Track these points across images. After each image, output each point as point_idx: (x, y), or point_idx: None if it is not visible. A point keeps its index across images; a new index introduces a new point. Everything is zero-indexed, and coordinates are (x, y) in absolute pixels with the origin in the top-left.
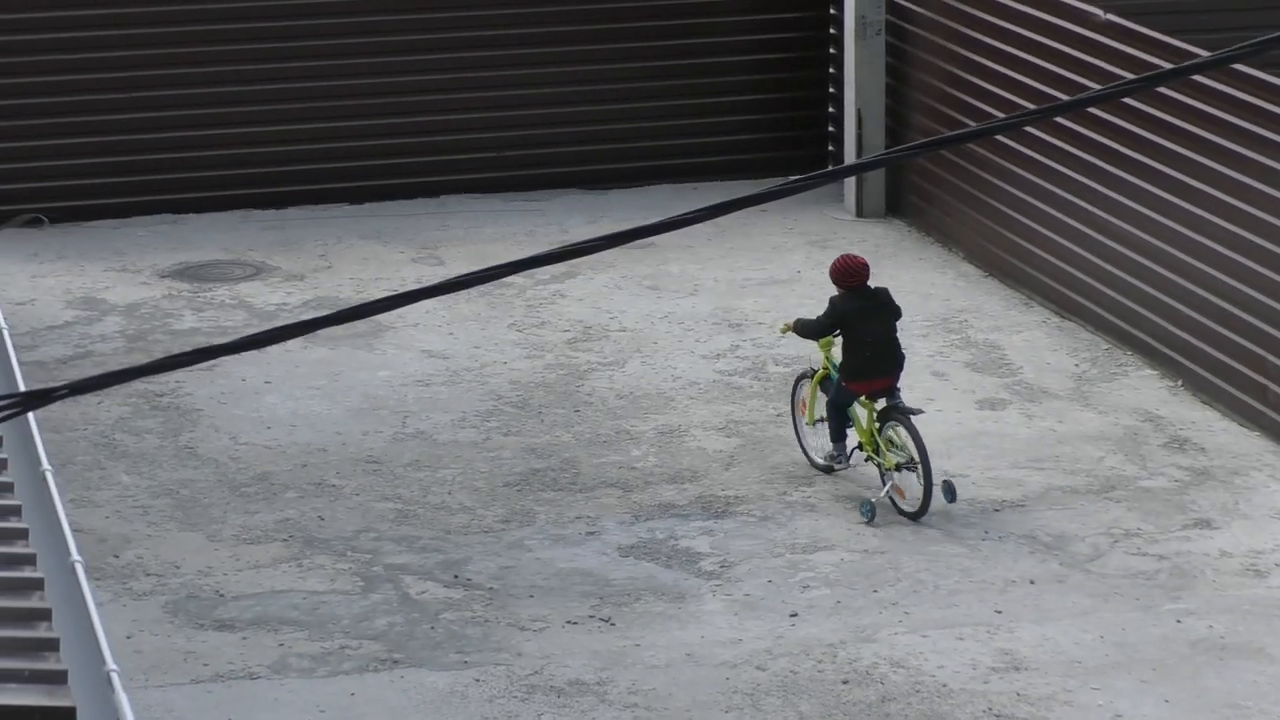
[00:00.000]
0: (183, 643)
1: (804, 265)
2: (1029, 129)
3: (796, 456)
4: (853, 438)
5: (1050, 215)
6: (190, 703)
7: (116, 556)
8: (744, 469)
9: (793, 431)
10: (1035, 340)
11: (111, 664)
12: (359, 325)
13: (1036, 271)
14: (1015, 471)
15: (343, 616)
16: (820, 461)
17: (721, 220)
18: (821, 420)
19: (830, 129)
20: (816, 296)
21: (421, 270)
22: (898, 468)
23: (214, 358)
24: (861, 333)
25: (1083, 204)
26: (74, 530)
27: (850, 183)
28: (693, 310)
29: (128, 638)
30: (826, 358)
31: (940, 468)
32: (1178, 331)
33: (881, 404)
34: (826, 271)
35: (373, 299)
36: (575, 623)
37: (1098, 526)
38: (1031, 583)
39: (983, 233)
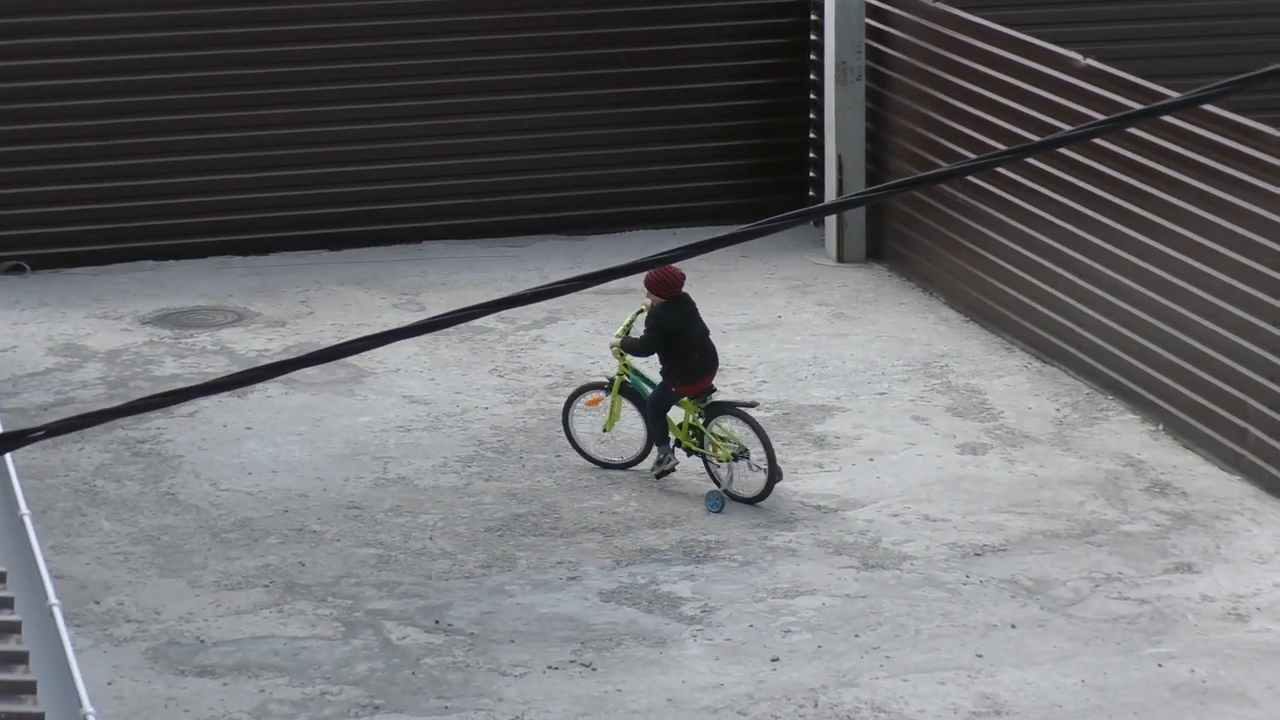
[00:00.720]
0: (163, 689)
1: (784, 310)
2: (1008, 173)
3: (779, 501)
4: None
5: (1031, 260)
6: None
7: (97, 603)
8: (726, 514)
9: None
10: (1016, 385)
11: (88, 707)
12: (340, 371)
13: (1017, 316)
14: (997, 516)
15: (324, 662)
16: (595, 455)
17: (703, 265)
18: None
19: (811, 174)
20: (796, 340)
21: (403, 316)
22: (734, 458)
23: (188, 399)
24: (690, 337)
25: (1063, 249)
26: (54, 576)
27: (831, 228)
28: None
29: (108, 684)
30: (625, 366)
31: (922, 513)
32: (1158, 376)
33: (707, 402)
34: (806, 315)
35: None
36: (556, 668)
37: (1079, 570)
38: (1013, 627)
39: (963, 277)
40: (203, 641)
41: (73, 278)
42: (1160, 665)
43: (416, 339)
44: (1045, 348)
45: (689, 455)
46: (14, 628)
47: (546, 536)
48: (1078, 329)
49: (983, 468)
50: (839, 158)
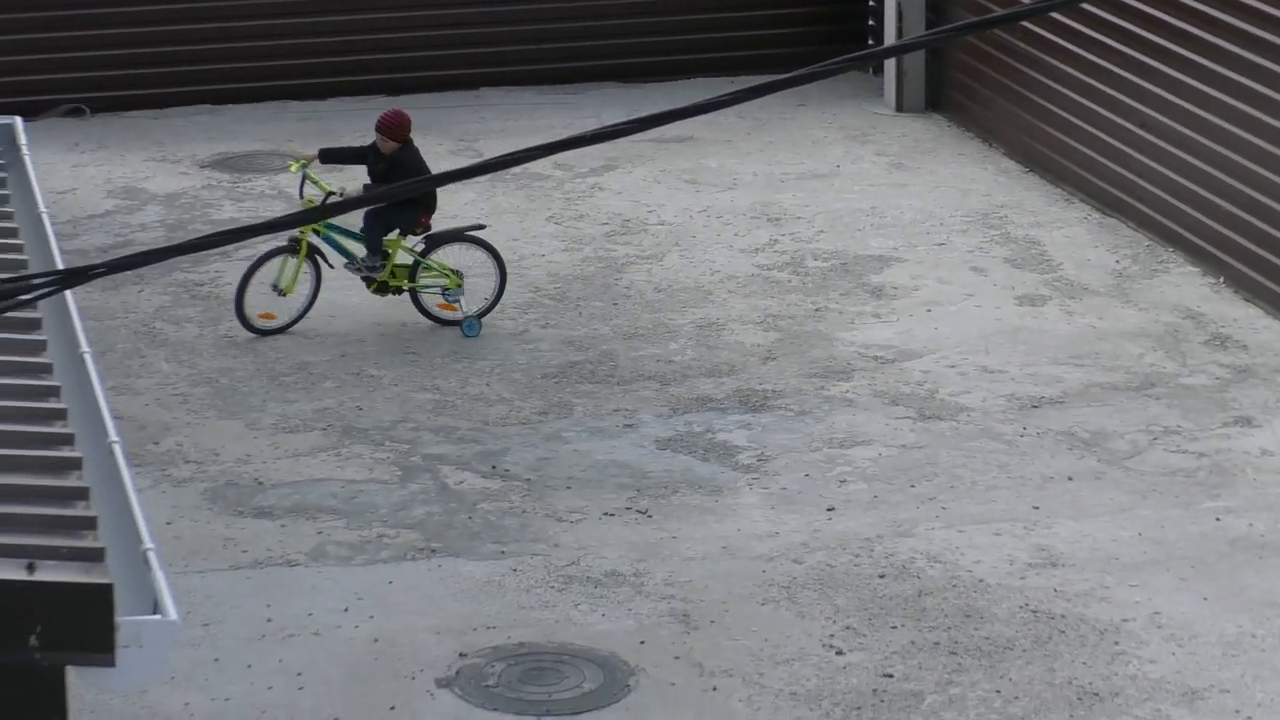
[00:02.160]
0: (222, 529)
1: (843, 159)
2: (1069, 22)
3: (835, 351)
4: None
5: (1092, 110)
6: (229, 588)
7: (156, 443)
8: (782, 363)
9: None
10: (1076, 236)
11: (149, 542)
12: None
13: (1078, 167)
14: (1054, 368)
15: (381, 505)
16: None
17: (760, 114)
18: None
19: (870, 22)
20: (854, 190)
21: (460, 162)
22: (460, 280)
23: (246, 238)
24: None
25: (1125, 99)
26: (114, 417)
27: (890, 78)
28: (731, 204)
29: (167, 524)
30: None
31: (979, 364)
32: (1220, 228)
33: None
34: (865, 165)
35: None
36: (612, 514)
37: (1137, 423)
38: (1069, 479)
39: (1024, 128)
40: (261, 483)
41: (132, 121)
42: (1218, 519)
43: (474, 185)
44: (1105, 199)
45: (398, 294)
46: (75, 464)
47: (603, 384)
48: (1138, 180)
49: (1041, 319)
50: (899, 4)
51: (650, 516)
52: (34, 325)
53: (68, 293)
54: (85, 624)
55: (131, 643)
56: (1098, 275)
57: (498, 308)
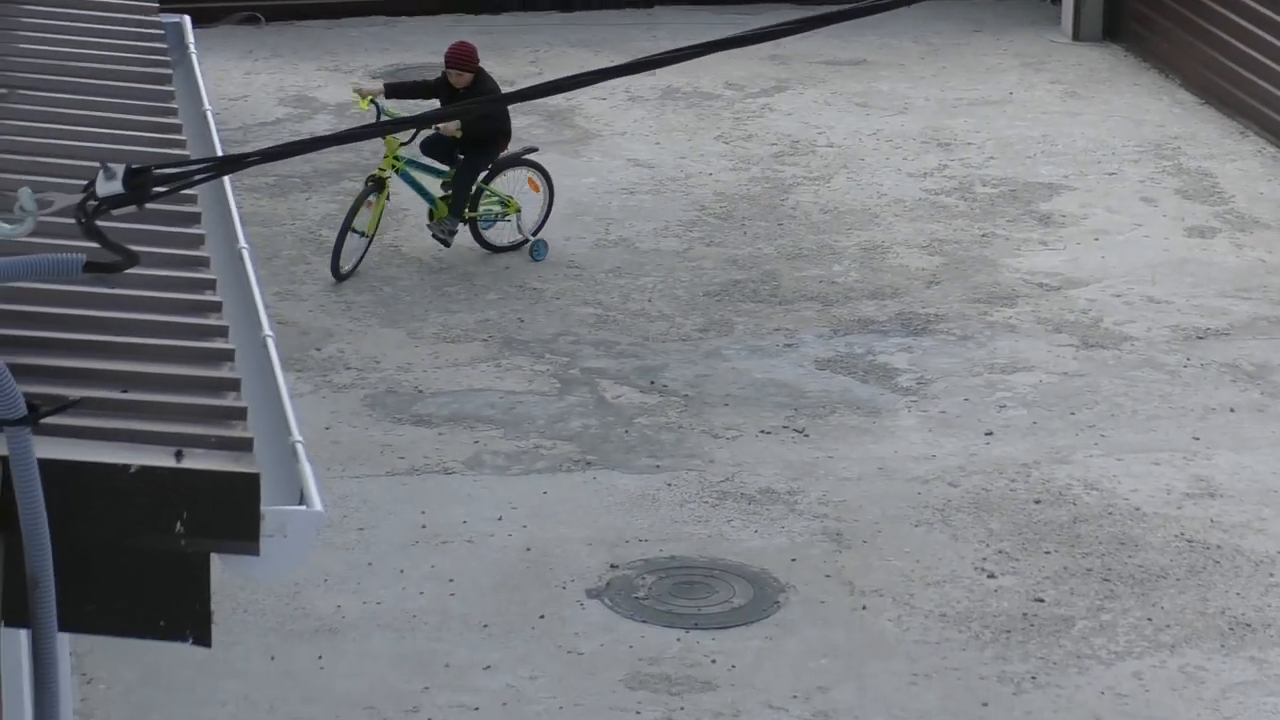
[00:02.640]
0: (380, 435)
1: (1016, 86)
2: None
3: (1000, 277)
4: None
5: (1270, 43)
6: (385, 494)
7: (318, 349)
8: (946, 287)
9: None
10: (1249, 169)
11: (297, 435)
12: (565, 132)
13: (1255, 100)
14: (1221, 300)
15: (538, 417)
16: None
17: (934, 39)
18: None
19: None
20: (1026, 118)
21: (632, 79)
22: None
23: (404, 128)
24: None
25: None
26: (278, 322)
27: (1068, 5)
28: (902, 128)
29: (326, 428)
30: (398, 160)
31: (1145, 294)
32: None
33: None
34: (1039, 93)
35: (583, 107)
36: (769, 432)
37: None
38: (1231, 411)
39: (1201, 59)
40: (420, 391)
41: (305, 30)
42: None
43: (645, 103)
44: None
45: (449, 237)
46: (228, 355)
47: (765, 303)
48: None
49: (1210, 251)
50: None
51: (807, 435)
52: (193, 219)
53: (228, 189)
54: (231, 512)
55: (276, 532)
56: (1270, 209)
57: (664, 226)
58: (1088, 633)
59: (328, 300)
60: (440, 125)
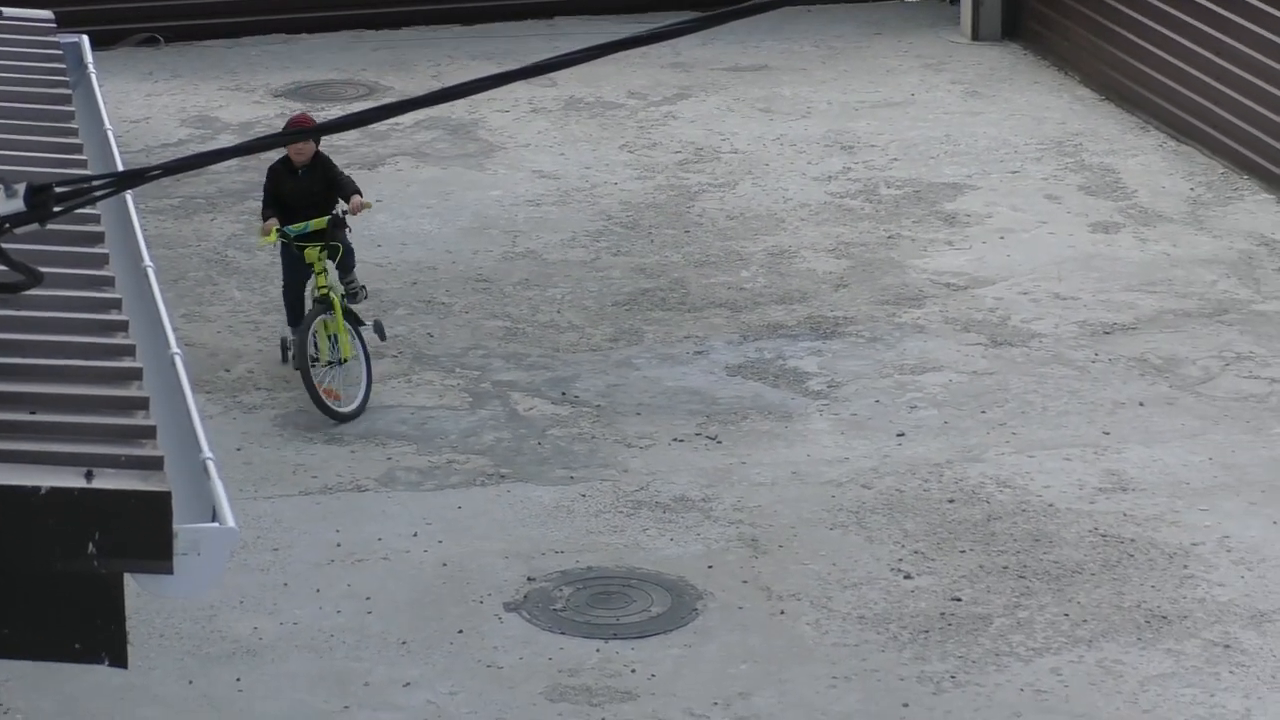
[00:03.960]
0: (292, 455)
1: (918, 87)
2: None
3: (908, 278)
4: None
5: (1168, 38)
6: (298, 513)
7: (228, 370)
8: (854, 290)
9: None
10: (1151, 164)
11: (208, 452)
12: (469, 145)
13: (1153, 95)
14: (1127, 294)
15: (450, 432)
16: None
17: (835, 43)
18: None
19: None
20: (928, 118)
21: (534, 90)
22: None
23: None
24: None
25: (1201, 26)
26: (186, 344)
27: (966, 6)
28: (805, 132)
29: (237, 449)
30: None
31: (1052, 290)
32: None
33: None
34: (940, 93)
35: (486, 119)
36: (682, 440)
37: (1209, 349)
38: (1141, 404)
39: (1101, 56)
40: None
41: (205, 50)
42: None
43: (548, 114)
44: (1180, 126)
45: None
46: (135, 374)
47: (674, 311)
48: (1214, 107)
49: (1114, 246)
50: None
51: (719, 442)
52: (96, 239)
53: (131, 208)
54: (143, 532)
55: (190, 550)
56: (1172, 202)
57: (571, 236)
58: (1005, 630)
59: (236, 321)
60: (351, 208)
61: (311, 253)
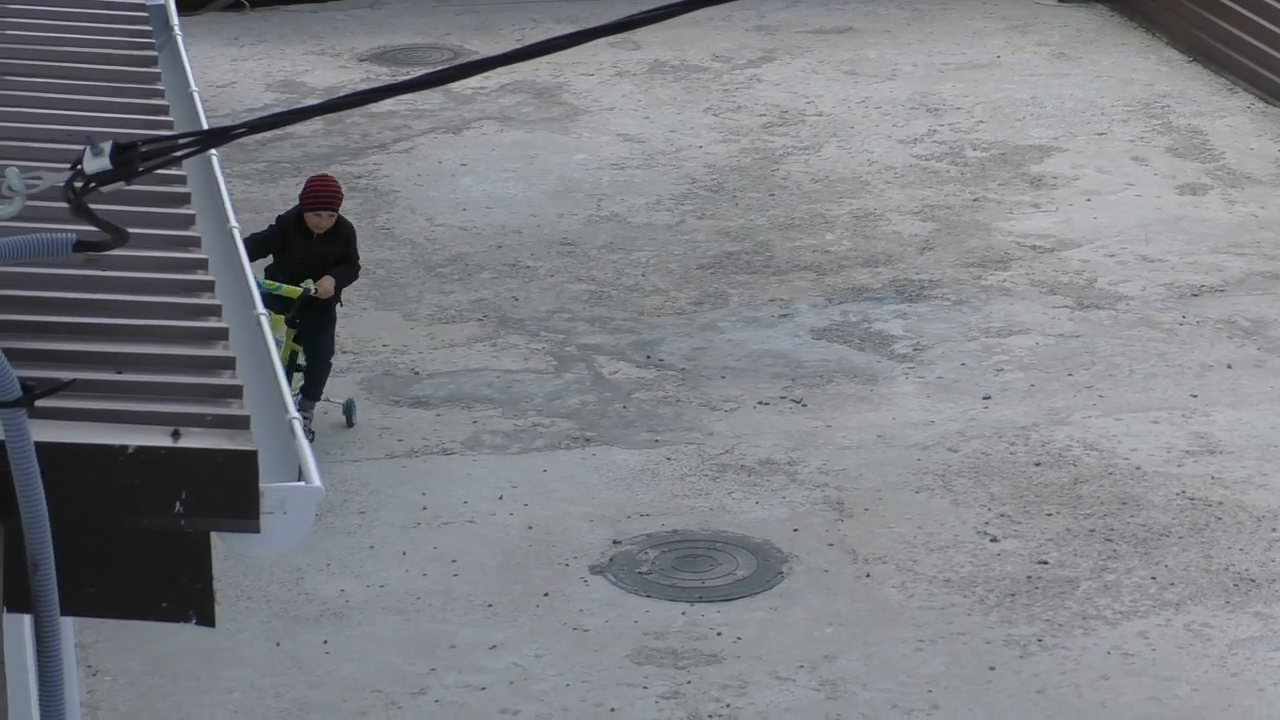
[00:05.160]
0: (378, 418)
1: (1003, 50)
2: None
3: (993, 241)
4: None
5: None
6: (385, 476)
7: None
8: (939, 253)
9: None
10: (1239, 126)
11: (294, 412)
12: (554, 109)
13: (1242, 56)
14: (1215, 256)
15: (536, 395)
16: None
17: (920, 5)
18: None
19: None
20: (1014, 80)
21: (619, 54)
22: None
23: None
24: None
25: None
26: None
27: None
28: (890, 95)
29: (324, 413)
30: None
31: (1139, 253)
32: None
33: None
34: (1026, 55)
35: (570, 83)
36: (767, 403)
37: None
38: (1229, 367)
39: (1188, 16)
40: (417, 373)
41: (290, 15)
42: None
43: (633, 78)
44: (1269, 88)
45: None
46: (221, 334)
47: (759, 274)
48: None
49: (1202, 208)
50: None
51: (805, 405)
52: (183, 200)
53: (217, 169)
54: (230, 490)
55: (276, 509)
56: (1261, 164)
57: (656, 200)
58: (1092, 593)
59: None
60: (320, 287)
61: (278, 323)
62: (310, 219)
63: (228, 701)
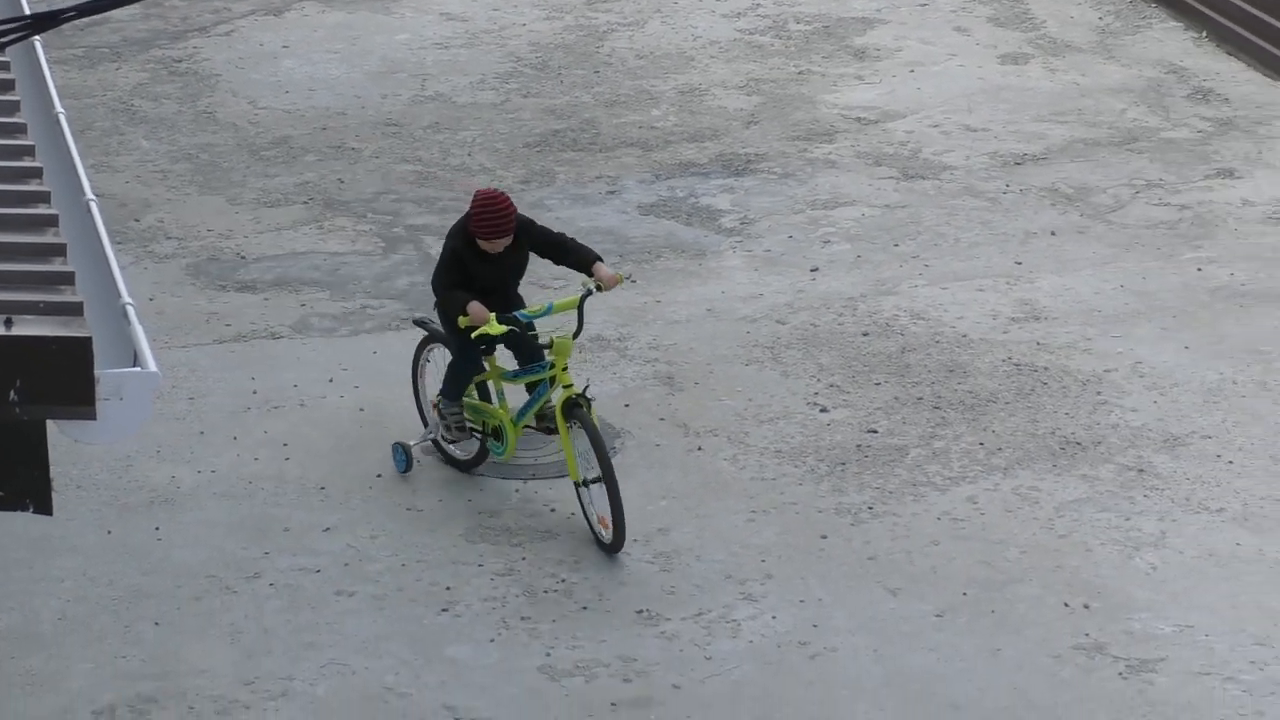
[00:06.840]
0: (205, 304)
1: None
2: None
3: (818, 114)
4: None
5: None
6: (214, 361)
7: (137, 220)
8: (765, 127)
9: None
10: None
11: (127, 297)
12: None
13: None
14: (1037, 125)
15: (364, 277)
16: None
17: None
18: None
19: None
20: None
21: None
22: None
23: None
24: None
25: None
26: (95, 194)
27: None
28: None
29: (150, 299)
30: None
31: (962, 123)
32: None
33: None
34: None
35: None
36: None
37: (1119, 177)
38: (1052, 234)
39: None
40: (243, 257)
41: None
42: (1199, 269)
43: None
44: None
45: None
46: (51, 221)
47: (585, 151)
48: None
49: (1024, 77)
50: None
51: (633, 281)
52: (8, 86)
53: (40, 55)
54: (65, 377)
55: (112, 395)
56: (1081, 32)
57: (480, 79)
58: (921, 460)
59: (144, 171)
60: (607, 283)
61: (565, 347)
62: (486, 245)
63: (60, 590)
